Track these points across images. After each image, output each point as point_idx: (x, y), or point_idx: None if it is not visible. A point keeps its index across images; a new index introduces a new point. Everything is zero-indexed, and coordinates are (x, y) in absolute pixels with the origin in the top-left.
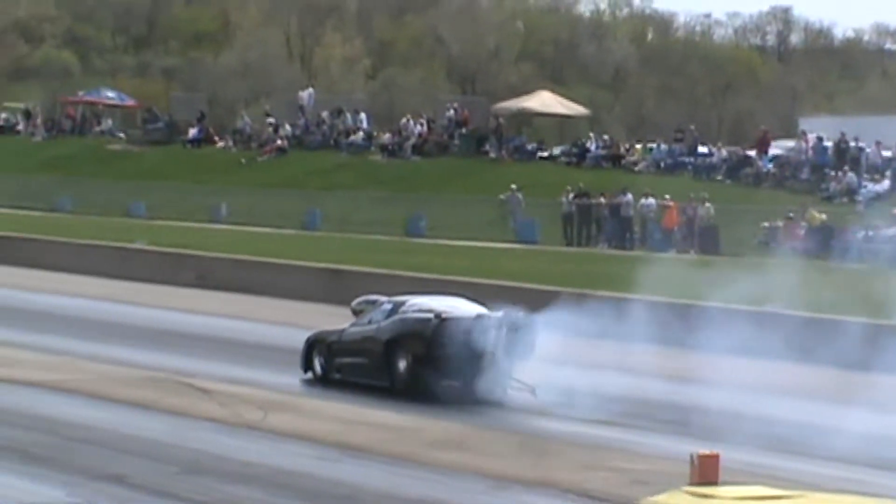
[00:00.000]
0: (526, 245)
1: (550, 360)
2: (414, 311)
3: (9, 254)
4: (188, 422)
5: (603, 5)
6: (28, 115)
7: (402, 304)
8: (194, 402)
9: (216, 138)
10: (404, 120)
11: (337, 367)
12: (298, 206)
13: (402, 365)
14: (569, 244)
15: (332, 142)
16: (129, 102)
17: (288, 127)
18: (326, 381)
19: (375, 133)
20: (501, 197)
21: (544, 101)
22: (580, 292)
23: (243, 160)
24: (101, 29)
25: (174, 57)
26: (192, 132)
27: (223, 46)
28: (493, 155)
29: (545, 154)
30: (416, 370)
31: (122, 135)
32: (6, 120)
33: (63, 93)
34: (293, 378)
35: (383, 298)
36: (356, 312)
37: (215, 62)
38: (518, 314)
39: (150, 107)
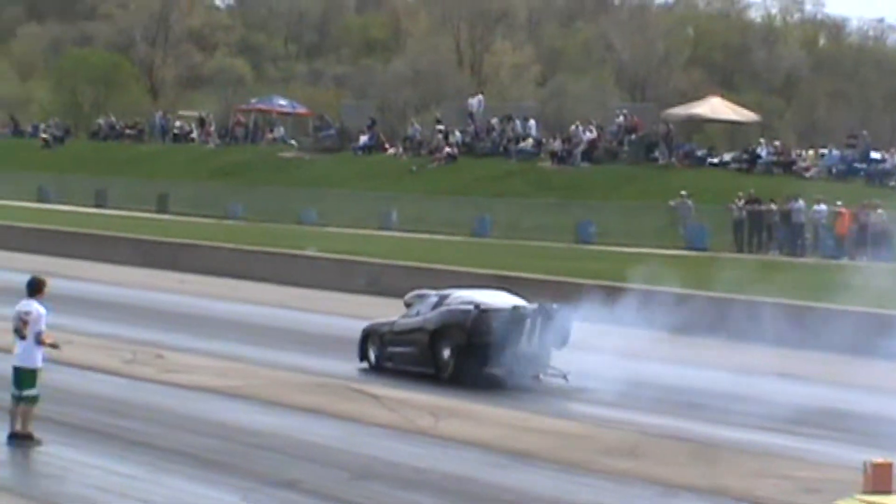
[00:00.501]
0: (696, 252)
1: (721, 367)
2: (457, 304)
3: (183, 260)
4: (359, 428)
5: (774, 10)
6: (202, 122)
7: (447, 296)
8: (365, 408)
9: (386, 145)
10: (574, 127)
11: (388, 355)
12: (468, 213)
13: (445, 353)
14: (739, 250)
15: (501, 149)
16: (301, 110)
17: (458, 134)
18: (379, 369)
19: (545, 140)
20: (671, 203)
21: (714, 107)
22: (754, 300)
23: (413, 167)
24: (273, 37)
25: (345, 65)
26: (363, 139)
27: (394, 54)
28: (662, 161)
29: (715, 160)
30: (458, 358)
31: (293, 142)
32: (180, 128)
33: (236, 101)
34: (464, 384)
35: (431, 292)
36: (408, 305)
37: (386, 69)
38: (552, 306)
39: (322, 114)
